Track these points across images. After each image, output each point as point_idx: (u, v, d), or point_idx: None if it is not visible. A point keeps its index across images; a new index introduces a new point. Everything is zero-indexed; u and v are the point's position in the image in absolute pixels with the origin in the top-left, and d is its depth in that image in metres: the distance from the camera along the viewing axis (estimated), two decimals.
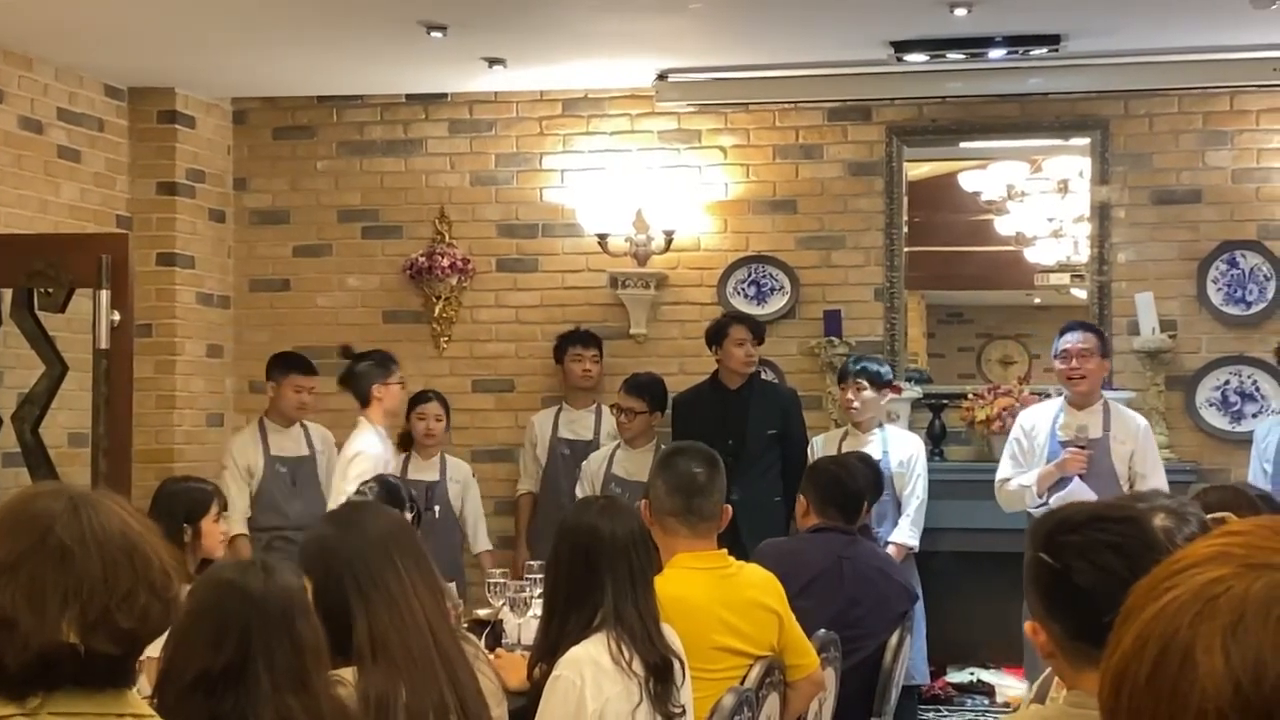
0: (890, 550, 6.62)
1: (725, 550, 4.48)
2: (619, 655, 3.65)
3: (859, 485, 5.55)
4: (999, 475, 6.74)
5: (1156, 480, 6.34)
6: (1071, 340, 6.61)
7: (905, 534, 6.89)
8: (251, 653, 2.57)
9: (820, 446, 7.01)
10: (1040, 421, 6.71)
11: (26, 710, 1.89)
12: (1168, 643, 0.96)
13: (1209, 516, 2.33)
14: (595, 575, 3.74)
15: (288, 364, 7.50)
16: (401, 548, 3.29)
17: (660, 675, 3.70)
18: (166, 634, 2.38)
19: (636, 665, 3.66)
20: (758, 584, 4.44)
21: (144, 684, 4.37)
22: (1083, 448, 6.44)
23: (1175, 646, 0.95)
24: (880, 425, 7.08)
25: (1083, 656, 2.25)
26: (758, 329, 7.29)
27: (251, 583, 2.65)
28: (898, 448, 7.03)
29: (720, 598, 4.31)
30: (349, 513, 3.48)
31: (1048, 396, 7.36)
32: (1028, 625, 2.33)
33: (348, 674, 3.06)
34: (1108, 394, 6.83)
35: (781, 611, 4.42)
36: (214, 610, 2.62)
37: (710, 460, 4.48)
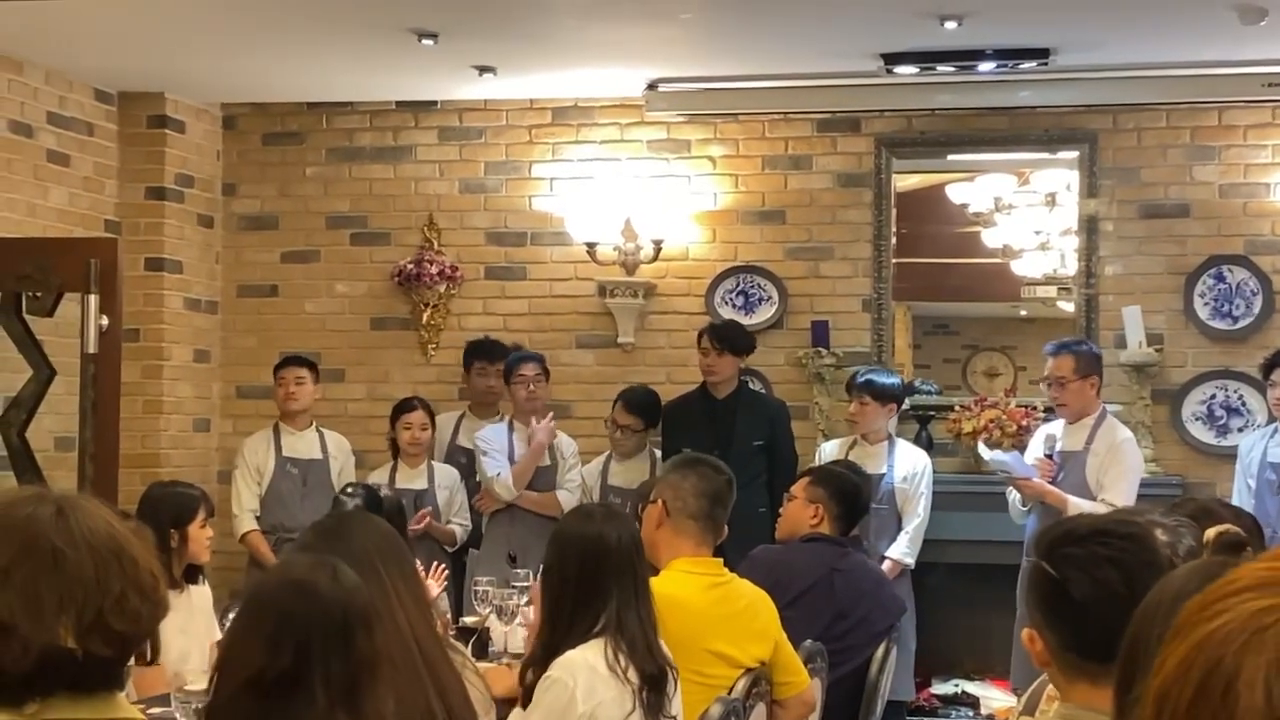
0: (886, 565, 6.64)
1: (721, 560, 4.51)
2: (615, 663, 3.65)
3: (867, 500, 5.71)
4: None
5: (1114, 494, 6.31)
6: (1048, 367, 6.66)
7: (902, 550, 6.88)
8: (310, 661, 2.50)
9: (828, 453, 7.00)
10: (1045, 434, 6.76)
11: (24, 716, 1.88)
12: (1211, 671, 0.95)
13: (1213, 530, 2.32)
14: (601, 583, 3.73)
15: (280, 361, 7.61)
16: (387, 557, 3.28)
17: (655, 685, 3.70)
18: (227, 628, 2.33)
19: (632, 674, 3.66)
20: (751, 598, 4.47)
21: (131, 689, 4.37)
22: (1049, 456, 6.57)
23: (1219, 676, 0.94)
24: (890, 439, 7.09)
25: (1074, 668, 2.26)
26: (722, 335, 7.23)
27: (320, 583, 2.58)
28: (903, 462, 7.02)
29: (716, 604, 4.34)
30: (334, 524, 3.46)
31: (1034, 409, 7.39)
32: (1025, 633, 2.35)
33: None
34: (1110, 408, 6.85)
35: (775, 630, 4.44)
36: (276, 607, 2.56)
37: (730, 478, 4.58)
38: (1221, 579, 1.00)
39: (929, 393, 7.90)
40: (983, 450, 6.73)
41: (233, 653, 2.55)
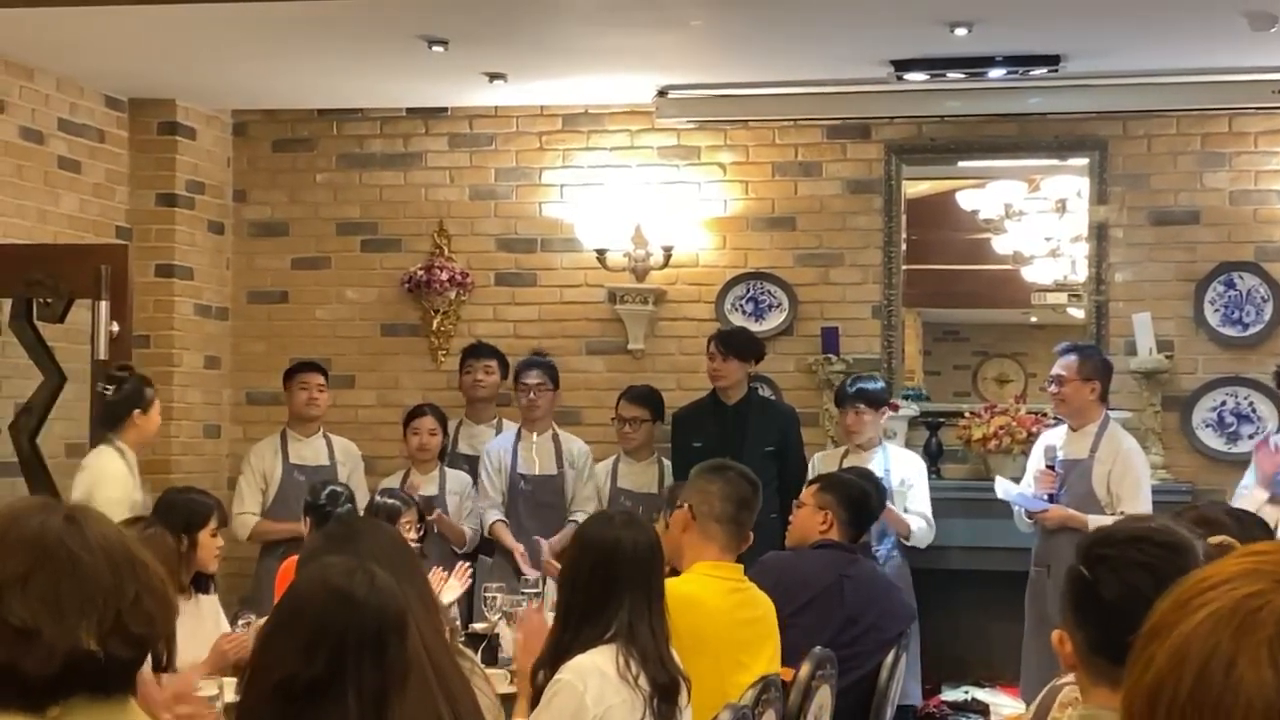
0: (911, 517, 6.80)
1: (741, 567, 4.53)
2: (625, 670, 3.65)
3: (875, 505, 5.72)
4: None
5: (1133, 505, 6.30)
6: (1054, 365, 6.67)
7: (921, 527, 6.90)
8: (345, 669, 2.50)
9: (819, 465, 7.00)
10: (1045, 444, 6.75)
11: (46, 719, 1.89)
12: (1209, 656, 0.96)
13: (1211, 541, 2.32)
14: (615, 589, 3.73)
15: (295, 367, 7.68)
16: (396, 564, 3.28)
17: (666, 695, 3.69)
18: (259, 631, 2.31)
19: (643, 681, 3.66)
20: (766, 607, 4.50)
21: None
22: (1050, 467, 6.57)
23: (1218, 660, 0.95)
24: (881, 443, 7.08)
25: (1098, 671, 2.26)
26: (727, 340, 7.24)
27: (358, 591, 2.58)
28: (899, 467, 7.02)
29: (735, 609, 4.36)
30: (343, 530, 3.47)
31: (1044, 415, 7.38)
32: (1055, 634, 2.35)
33: None
34: (1113, 415, 6.84)
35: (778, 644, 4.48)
36: (313, 613, 2.55)
37: (757, 485, 4.60)
38: (1192, 580, 1.02)
39: (915, 397, 7.89)
40: (998, 489, 6.73)
41: (266, 654, 2.54)
